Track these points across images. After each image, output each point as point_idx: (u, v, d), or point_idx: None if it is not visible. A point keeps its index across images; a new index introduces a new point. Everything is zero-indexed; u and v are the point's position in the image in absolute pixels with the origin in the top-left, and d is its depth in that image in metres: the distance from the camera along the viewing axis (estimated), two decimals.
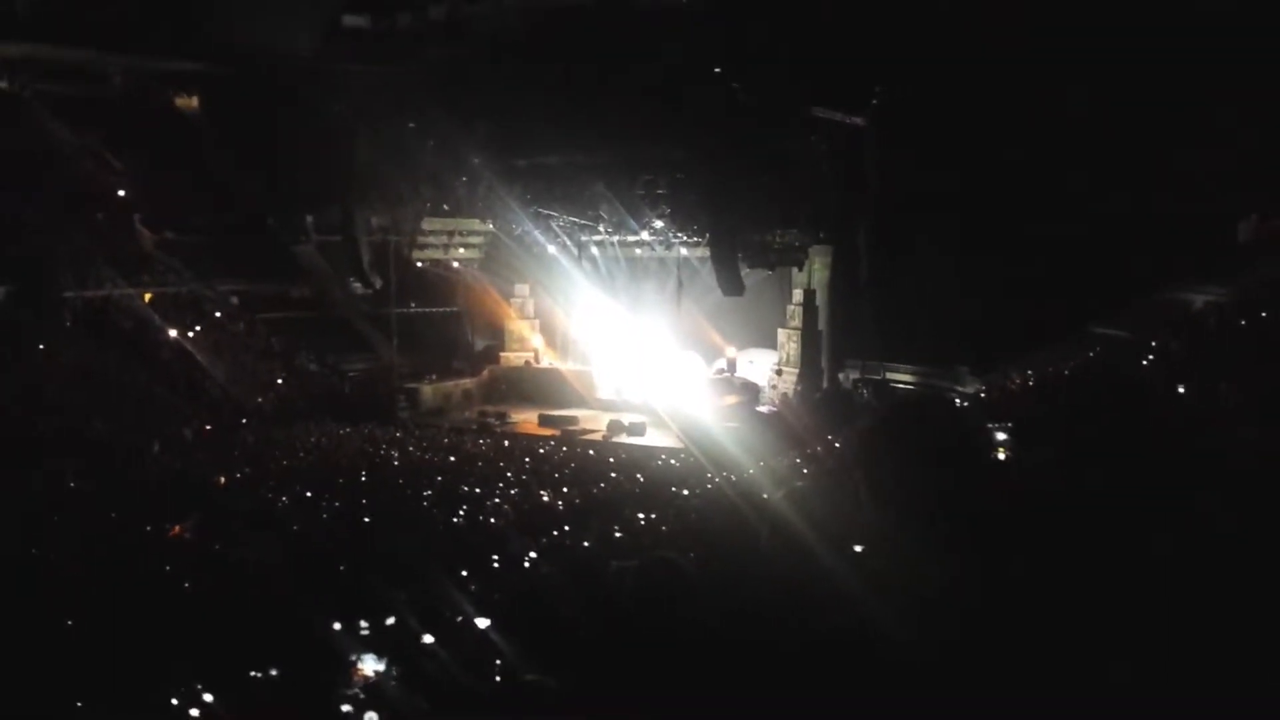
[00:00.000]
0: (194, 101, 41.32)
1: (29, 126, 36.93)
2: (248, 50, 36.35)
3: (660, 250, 36.05)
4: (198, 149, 39.10)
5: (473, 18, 35.00)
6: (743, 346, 36.38)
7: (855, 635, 2.51)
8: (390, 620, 7.90)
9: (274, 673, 7.22)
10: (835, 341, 34.33)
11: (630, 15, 31.35)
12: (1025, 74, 27.40)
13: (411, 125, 36.04)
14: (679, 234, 34.11)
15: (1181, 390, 18.38)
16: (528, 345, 40.06)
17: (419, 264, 39.65)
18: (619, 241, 36.69)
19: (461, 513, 16.48)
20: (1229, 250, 26.54)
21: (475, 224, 40.06)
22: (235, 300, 37.69)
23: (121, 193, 37.72)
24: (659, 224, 33.85)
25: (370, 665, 6.34)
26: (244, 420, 30.07)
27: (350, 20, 36.91)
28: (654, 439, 29.99)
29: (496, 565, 11.35)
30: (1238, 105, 24.79)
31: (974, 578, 2.46)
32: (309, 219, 40.53)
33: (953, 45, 28.21)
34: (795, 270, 34.53)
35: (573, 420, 32.63)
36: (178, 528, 14.71)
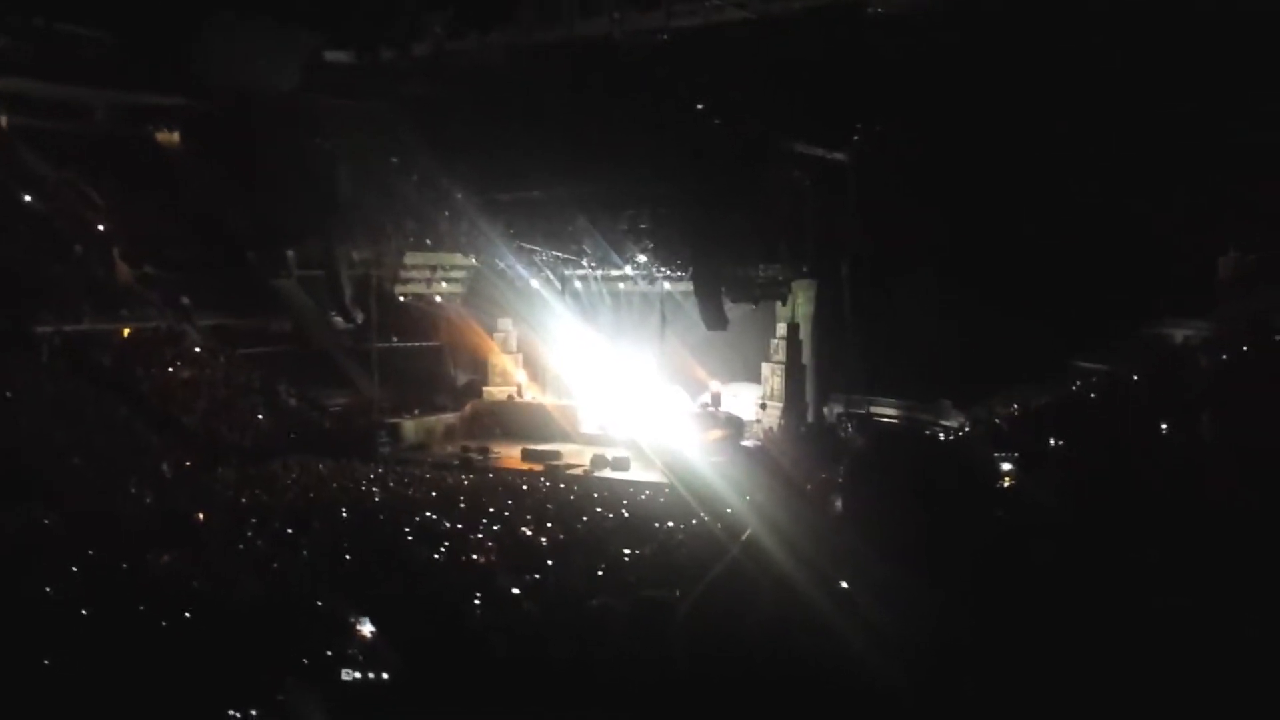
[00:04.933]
0: (175, 136, 41.28)
1: (9, 161, 36.80)
2: (229, 85, 36.36)
3: (643, 284, 36.10)
4: (179, 183, 39.01)
5: (456, 54, 35.17)
6: (727, 381, 36.37)
7: (843, 674, 2.46)
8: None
9: (253, 713, 7.08)
10: (819, 376, 34.37)
11: (613, 52, 31.54)
12: (1006, 112, 27.60)
13: (394, 160, 36.10)
14: (662, 268, 34.20)
15: (1163, 424, 18.42)
16: (511, 380, 39.94)
17: (401, 298, 39.60)
18: (602, 276, 36.75)
19: (443, 549, 16.29)
20: (1209, 286, 26.74)
21: (458, 258, 40.09)
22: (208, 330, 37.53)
23: (101, 227, 37.54)
24: (642, 258, 33.93)
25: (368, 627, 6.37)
26: (223, 456, 29.80)
27: (332, 55, 37.04)
28: (638, 474, 29.86)
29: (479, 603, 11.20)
30: (1217, 143, 25.01)
31: (960, 615, 2.41)
32: (290, 253, 40.45)
33: (934, 83, 28.42)
34: (779, 305, 34.62)
35: (556, 455, 32.49)
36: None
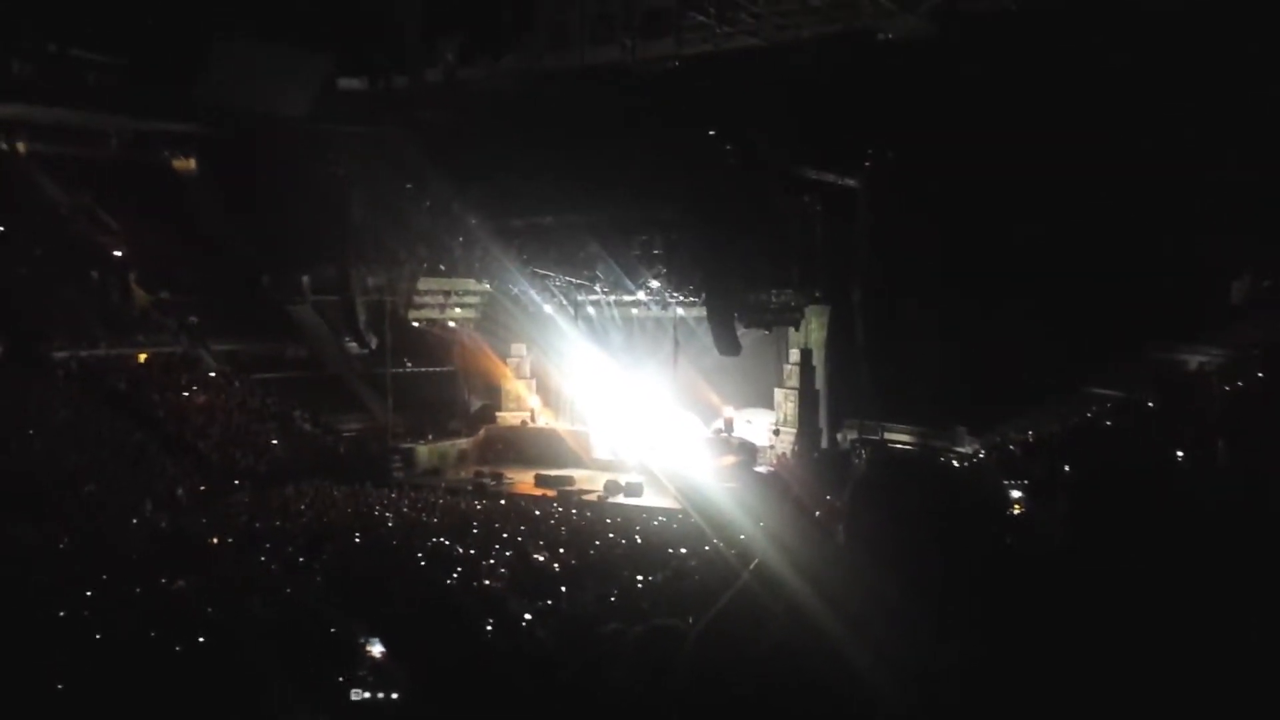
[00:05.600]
0: (190, 162, 41.58)
1: (26, 187, 37.10)
2: (244, 112, 36.62)
3: (656, 310, 36.04)
4: (194, 209, 39.28)
5: (468, 80, 35.38)
6: (740, 406, 36.24)
7: (853, 701, 2.45)
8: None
9: None
10: (833, 401, 34.25)
11: (625, 78, 31.71)
12: (1017, 136, 27.60)
13: (407, 186, 36.25)
14: (675, 293, 34.11)
15: (1179, 450, 18.33)
16: (524, 405, 39.94)
17: (415, 324, 39.66)
18: (615, 301, 36.68)
19: (456, 574, 16.27)
20: (1223, 310, 26.61)
21: (471, 284, 40.13)
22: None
23: (117, 252, 37.79)
24: (655, 283, 33.89)
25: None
26: (238, 481, 29.85)
27: (345, 82, 37.31)
28: (651, 499, 29.79)
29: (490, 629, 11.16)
30: (1231, 167, 24.96)
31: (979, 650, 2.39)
32: (305, 279, 40.63)
33: (944, 108, 28.46)
34: (792, 330, 34.51)
35: (569, 480, 32.45)
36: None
